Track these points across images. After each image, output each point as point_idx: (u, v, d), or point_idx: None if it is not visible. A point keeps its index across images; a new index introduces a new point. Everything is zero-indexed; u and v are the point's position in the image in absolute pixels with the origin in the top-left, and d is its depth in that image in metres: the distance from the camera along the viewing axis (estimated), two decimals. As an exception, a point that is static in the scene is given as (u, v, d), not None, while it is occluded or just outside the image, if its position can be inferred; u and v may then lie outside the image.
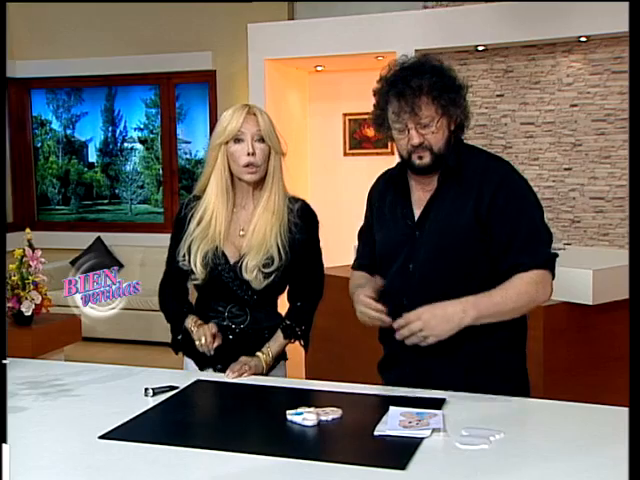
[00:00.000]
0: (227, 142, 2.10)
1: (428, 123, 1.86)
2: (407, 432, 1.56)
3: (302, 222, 2.16)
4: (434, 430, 1.57)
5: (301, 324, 2.21)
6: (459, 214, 1.89)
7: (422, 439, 1.53)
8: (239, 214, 2.17)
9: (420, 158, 1.90)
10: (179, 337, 2.20)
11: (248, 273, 2.09)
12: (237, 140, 2.10)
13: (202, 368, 2.17)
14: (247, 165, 2.10)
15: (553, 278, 1.89)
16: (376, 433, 1.58)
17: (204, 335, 2.08)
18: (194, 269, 2.12)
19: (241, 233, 2.15)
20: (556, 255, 1.92)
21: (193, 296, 2.28)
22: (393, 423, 1.61)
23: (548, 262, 1.88)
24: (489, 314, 1.80)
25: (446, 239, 1.90)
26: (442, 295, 1.89)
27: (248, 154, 2.09)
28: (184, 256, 2.14)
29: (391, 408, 1.69)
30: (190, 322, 2.17)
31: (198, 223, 2.14)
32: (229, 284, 2.13)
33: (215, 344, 2.08)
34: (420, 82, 1.84)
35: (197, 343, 2.09)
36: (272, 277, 2.10)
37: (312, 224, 2.21)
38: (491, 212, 1.87)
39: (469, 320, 1.77)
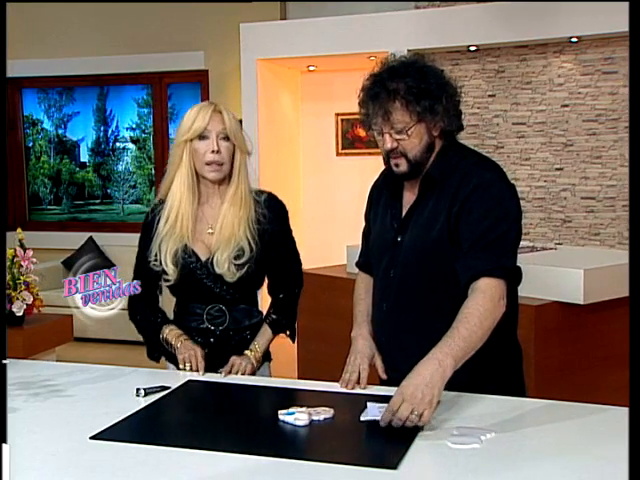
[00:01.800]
0: (192, 139, 2.09)
1: (401, 129, 1.81)
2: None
3: (270, 213, 2.15)
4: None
5: (285, 317, 2.23)
6: (435, 222, 1.85)
7: (413, 438, 1.54)
8: (205, 211, 2.16)
9: (397, 166, 1.87)
10: (156, 350, 2.19)
11: (220, 267, 2.09)
12: (202, 137, 2.08)
13: None
14: (210, 163, 2.08)
15: (511, 292, 1.81)
16: (362, 419, 1.62)
17: (190, 362, 2.05)
18: (165, 268, 2.11)
19: (209, 231, 2.14)
20: (518, 269, 1.83)
21: (171, 303, 2.26)
22: (373, 412, 1.64)
23: (504, 272, 1.77)
24: (464, 353, 1.66)
25: (422, 247, 1.87)
26: (419, 303, 1.89)
27: (212, 152, 2.07)
28: (155, 256, 2.13)
29: (368, 404, 1.71)
30: (172, 336, 2.14)
31: (166, 221, 2.13)
32: (203, 280, 2.12)
33: (202, 370, 2.05)
34: (396, 86, 1.79)
35: (181, 366, 2.06)
36: (245, 268, 2.09)
37: (281, 214, 2.20)
38: (459, 215, 1.81)
39: (450, 370, 1.62)
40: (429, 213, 1.88)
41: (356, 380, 1.91)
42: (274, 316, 2.22)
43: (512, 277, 1.82)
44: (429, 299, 1.89)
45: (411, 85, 1.79)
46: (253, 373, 2.14)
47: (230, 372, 2.07)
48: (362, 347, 1.98)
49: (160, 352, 2.20)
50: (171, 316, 2.26)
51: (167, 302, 2.28)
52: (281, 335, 2.26)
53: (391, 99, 1.80)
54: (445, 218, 1.84)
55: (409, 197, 1.95)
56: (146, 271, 2.15)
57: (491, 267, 1.77)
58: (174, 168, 2.13)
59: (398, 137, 1.83)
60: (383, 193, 2.04)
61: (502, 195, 1.85)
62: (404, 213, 1.94)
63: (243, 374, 2.08)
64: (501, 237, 1.81)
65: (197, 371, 2.05)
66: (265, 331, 2.20)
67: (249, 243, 2.10)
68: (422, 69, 1.84)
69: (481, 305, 1.73)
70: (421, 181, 1.90)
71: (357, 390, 1.89)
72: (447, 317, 1.82)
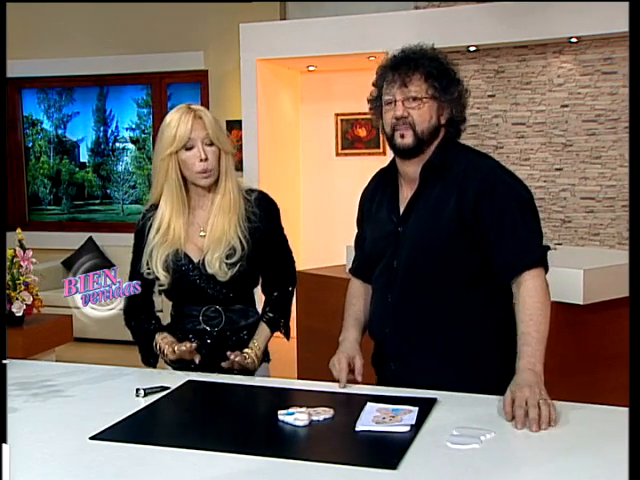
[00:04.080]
0: (177, 151, 2.08)
1: (415, 97, 1.87)
2: (378, 427, 1.59)
3: (261, 211, 2.15)
4: (411, 426, 1.58)
5: (281, 314, 2.23)
6: (441, 211, 1.88)
7: (413, 438, 1.54)
8: (197, 215, 2.16)
9: (402, 137, 1.89)
10: (151, 355, 2.18)
11: (211, 267, 2.09)
12: (187, 148, 2.07)
13: None
14: (201, 172, 2.08)
15: (546, 271, 1.88)
16: (357, 429, 1.60)
17: (183, 345, 2.05)
18: (157, 274, 2.11)
19: (201, 234, 2.14)
20: (548, 248, 1.90)
21: (169, 305, 2.26)
22: (367, 419, 1.63)
23: (541, 259, 1.86)
24: (543, 350, 1.78)
25: (428, 236, 1.89)
26: (424, 292, 1.91)
27: (201, 160, 2.07)
28: (147, 264, 2.13)
29: (368, 404, 1.71)
30: (164, 343, 2.13)
31: (157, 231, 2.12)
32: (196, 281, 2.12)
33: (197, 358, 2.06)
34: (420, 59, 1.89)
35: (172, 358, 2.07)
36: (237, 267, 2.09)
37: (272, 212, 2.20)
38: (476, 210, 1.85)
39: (542, 374, 1.73)
40: (434, 203, 1.90)
41: (345, 378, 1.92)
42: (270, 314, 2.21)
43: (546, 258, 1.88)
44: (434, 287, 1.90)
45: (433, 63, 1.89)
46: (252, 373, 2.14)
47: (232, 363, 2.06)
48: (344, 348, 2.01)
49: (155, 357, 2.20)
50: (168, 319, 2.26)
51: (167, 302, 2.28)
52: (276, 333, 2.26)
53: (411, 69, 1.88)
54: (455, 207, 1.86)
55: (406, 192, 1.97)
56: (140, 278, 2.14)
57: (529, 261, 1.83)
58: (161, 181, 2.12)
59: (412, 105, 1.88)
60: (376, 194, 2.06)
61: (509, 182, 1.91)
62: (404, 205, 1.96)
63: (244, 364, 2.07)
64: (527, 227, 1.87)
65: (192, 361, 2.05)
66: (263, 329, 2.19)
67: (240, 242, 2.09)
68: (440, 55, 1.94)
69: (537, 300, 1.81)
70: (421, 170, 1.93)
71: (357, 390, 1.89)
72: (452, 305, 1.86)
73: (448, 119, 1.93)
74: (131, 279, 2.18)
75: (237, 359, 2.06)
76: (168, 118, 2.10)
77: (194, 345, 2.06)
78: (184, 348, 2.05)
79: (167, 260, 2.11)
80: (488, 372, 1.88)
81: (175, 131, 2.06)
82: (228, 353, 2.07)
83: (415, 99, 1.87)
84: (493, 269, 1.88)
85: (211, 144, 2.09)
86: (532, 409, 1.59)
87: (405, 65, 1.88)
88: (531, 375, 1.70)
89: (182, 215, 2.12)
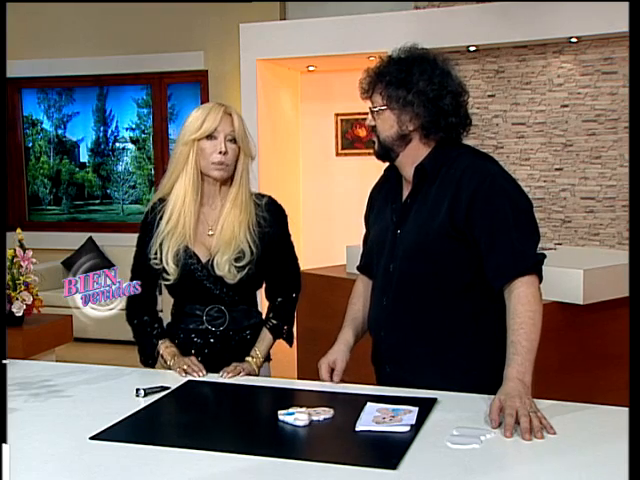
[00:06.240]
0: (200, 139, 2.09)
1: (375, 110, 1.92)
2: (378, 427, 1.59)
3: (270, 216, 2.16)
4: (411, 426, 1.58)
5: (284, 321, 2.23)
6: (435, 215, 1.86)
7: (413, 438, 1.54)
8: (207, 214, 2.16)
9: (373, 143, 1.97)
10: (150, 357, 2.18)
11: (220, 269, 2.09)
12: (210, 137, 2.09)
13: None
14: (216, 163, 2.09)
15: (540, 281, 1.83)
16: (357, 429, 1.60)
17: (186, 364, 2.05)
18: (166, 267, 2.11)
19: (210, 233, 2.14)
20: (544, 256, 1.85)
21: (171, 303, 2.26)
22: (367, 419, 1.63)
23: (534, 266, 1.81)
24: (533, 360, 1.75)
25: (421, 240, 1.88)
26: (418, 296, 1.90)
27: (220, 152, 2.08)
28: (156, 254, 2.12)
29: (368, 404, 1.71)
30: (167, 354, 2.12)
31: (167, 221, 2.12)
32: (203, 281, 2.11)
33: (203, 371, 2.04)
34: (386, 70, 1.90)
35: (178, 370, 2.05)
36: (245, 270, 2.09)
37: (281, 218, 2.21)
38: (469, 213, 1.82)
39: (530, 385, 1.70)
40: (429, 207, 1.88)
41: (329, 377, 1.97)
42: (274, 321, 2.21)
43: (540, 267, 1.84)
44: (428, 293, 1.89)
45: (394, 73, 1.88)
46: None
47: (230, 372, 2.05)
48: (330, 352, 2.03)
49: (154, 359, 2.20)
50: (168, 316, 2.26)
51: (167, 301, 2.28)
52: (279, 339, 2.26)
53: (377, 80, 1.91)
54: (446, 213, 1.84)
55: (406, 193, 1.97)
56: (145, 270, 2.14)
57: (522, 268, 1.79)
58: (179, 167, 2.12)
59: (376, 116, 1.93)
60: (382, 190, 2.06)
61: (506, 186, 1.86)
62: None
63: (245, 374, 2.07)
64: (522, 233, 1.83)
65: (199, 374, 2.04)
66: (265, 336, 2.19)
67: (249, 246, 2.10)
68: (415, 61, 1.89)
69: (529, 309, 1.77)
70: (414, 174, 1.92)
71: (356, 390, 1.89)
72: (445, 311, 1.85)
73: (422, 124, 1.88)
74: (134, 272, 2.19)
75: (229, 376, 2.04)
76: (197, 110, 2.13)
77: (202, 371, 2.04)
78: (195, 374, 2.04)
79: (178, 254, 2.11)
80: (480, 379, 1.86)
81: (203, 120, 2.09)
82: (221, 373, 2.04)
83: (376, 110, 1.92)
84: (485, 274, 1.85)
85: (234, 142, 2.10)
86: (524, 418, 1.56)
87: (375, 75, 1.92)
88: (520, 385, 1.68)
89: (194, 205, 2.12)
